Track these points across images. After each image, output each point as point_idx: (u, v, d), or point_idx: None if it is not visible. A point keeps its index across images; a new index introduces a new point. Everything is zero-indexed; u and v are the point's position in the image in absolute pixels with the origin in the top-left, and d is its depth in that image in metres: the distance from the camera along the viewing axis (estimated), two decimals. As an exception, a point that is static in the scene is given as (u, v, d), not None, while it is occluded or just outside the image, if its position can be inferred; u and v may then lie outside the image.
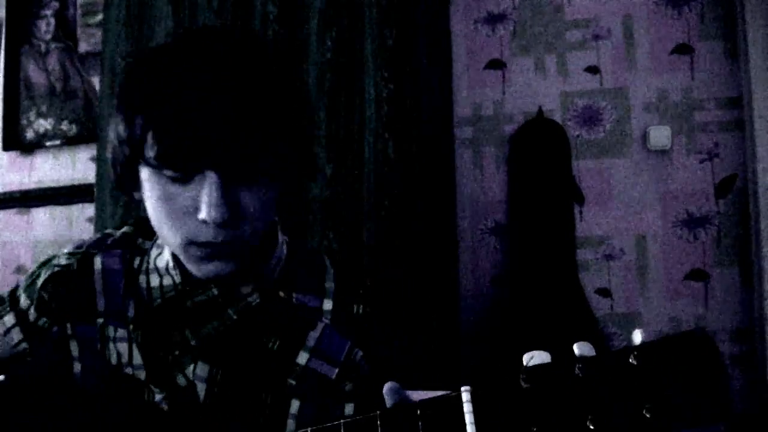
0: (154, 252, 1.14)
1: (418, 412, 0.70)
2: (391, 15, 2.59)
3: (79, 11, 3.28)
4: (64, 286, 1.13)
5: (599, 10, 2.69)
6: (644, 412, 0.61)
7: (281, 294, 1.11)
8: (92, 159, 3.14)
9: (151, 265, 1.13)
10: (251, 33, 1.07)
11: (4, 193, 3.32)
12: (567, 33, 2.72)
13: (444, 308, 2.53)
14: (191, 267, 0.99)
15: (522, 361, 0.68)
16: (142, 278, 1.12)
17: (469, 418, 0.68)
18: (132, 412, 1.07)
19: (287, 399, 1.07)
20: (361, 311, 1.12)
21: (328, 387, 1.07)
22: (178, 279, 1.09)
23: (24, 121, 3.32)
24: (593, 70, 2.68)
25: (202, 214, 0.92)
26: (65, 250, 1.18)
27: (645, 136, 2.60)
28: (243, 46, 0.98)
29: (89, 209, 3.12)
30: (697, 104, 2.57)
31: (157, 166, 0.93)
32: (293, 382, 1.07)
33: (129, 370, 1.08)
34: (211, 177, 0.92)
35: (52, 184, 3.26)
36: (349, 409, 1.07)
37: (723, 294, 2.51)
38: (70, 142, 3.24)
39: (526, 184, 2.66)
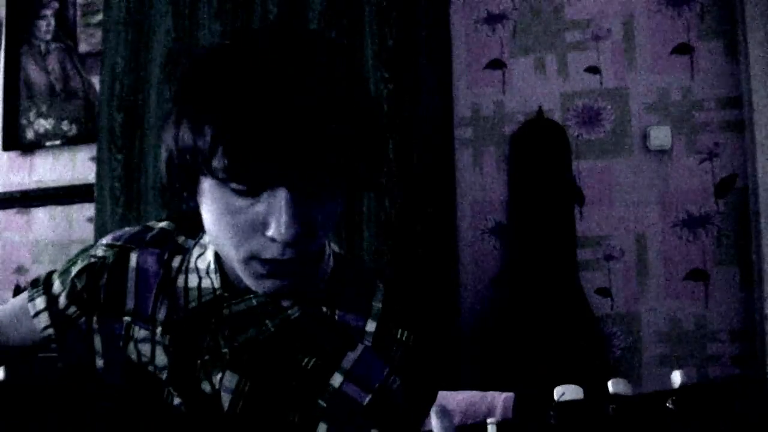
0: (196, 252, 1.10)
1: None
2: (391, 15, 2.59)
3: (79, 11, 3.27)
4: (97, 279, 1.10)
5: (599, 10, 2.69)
6: None
7: (324, 310, 1.07)
8: (92, 159, 3.13)
9: (191, 265, 1.08)
10: (325, 35, 1.01)
11: (4, 193, 3.32)
12: (567, 33, 2.72)
13: (444, 308, 2.53)
14: (250, 282, 0.94)
15: (553, 395, 0.65)
16: (180, 278, 1.08)
17: None
18: (152, 411, 1.06)
19: (315, 421, 1.03)
20: (404, 337, 1.06)
21: (358, 413, 1.03)
22: (217, 283, 1.05)
23: (24, 121, 3.32)
24: (593, 70, 2.68)
25: (272, 232, 0.86)
26: (104, 240, 1.14)
27: (645, 136, 2.60)
28: (321, 48, 0.90)
29: (89, 209, 3.12)
30: (697, 104, 2.57)
31: (225, 179, 0.87)
32: (324, 404, 1.03)
33: (151, 369, 1.06)
34: (282, 194, 0.86)
35: (52, 184, 3.26)
36: None
37: (723, 294, 2.51)
38: (70, 142, 3.24)
39: (526, 184, 2.66)
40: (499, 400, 1.81)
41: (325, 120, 0.84)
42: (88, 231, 3.13)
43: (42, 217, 3.28)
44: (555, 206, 2.63)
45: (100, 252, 1.12)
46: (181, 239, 1.13)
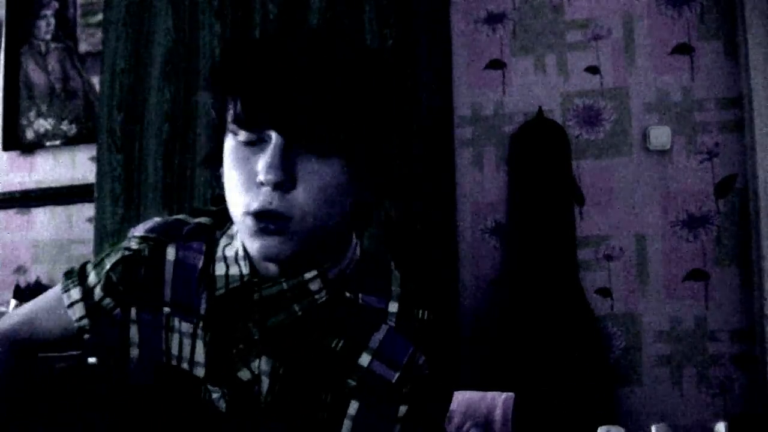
0: (223, 241, 1.12)
1: None
2: (391, 15, 2.59)
3: (79, 11, 3.27)
4: (133, 271, 1.12)
5: (599, 10, 2.69)
6: None
7: (347, 294, 1.10)
8: (92, 159, 3.13)
9: (219, 254, 1.11)
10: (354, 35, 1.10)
11: (4, 193, 3.32)
12: (567, 33, 2.72)
13: (444, 308, 2.53)
14: (248, 245, 0.97)
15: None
16: (211, 268, 1.11)
17: None
18: (188, 408, 1.07)
19: (346, 399, 1.07)
20: (425, 316, 1.12)
21: (388, 390, 1.07)
22: (246, 270, 1.07)
23: (24, 121, 3.32)
24: (593, 70, 2.68)
25: (260, 176, 0.92)
26: (136, 234, 1.16)
27: (645, 136, 2.60)
28: (316, 32, 1.01)
29: (89, 209, 3.12)
30: (697, 104, 2.57)
31: (233, 130, 0.96)
32: (353, 383, 1.07)
33: (185, 365, 1.09)
34: (274, 139, 0.93)
35: (52, 184, 3.26)
36: (402, 410, 1.08)
37: (723, 294, 2.51)
38: (70, 142, 3.24)
39: (526, 184, 2.66)
40: (499, 400, 1.81)
41: (313, 78, 0.94)
42: (88, 231, 3.13)
43: (42, 217, 3.28)
44: (555, 206, 2.63)
45: (134, 245, 1.14)
46: (216, 233, 1.15)
